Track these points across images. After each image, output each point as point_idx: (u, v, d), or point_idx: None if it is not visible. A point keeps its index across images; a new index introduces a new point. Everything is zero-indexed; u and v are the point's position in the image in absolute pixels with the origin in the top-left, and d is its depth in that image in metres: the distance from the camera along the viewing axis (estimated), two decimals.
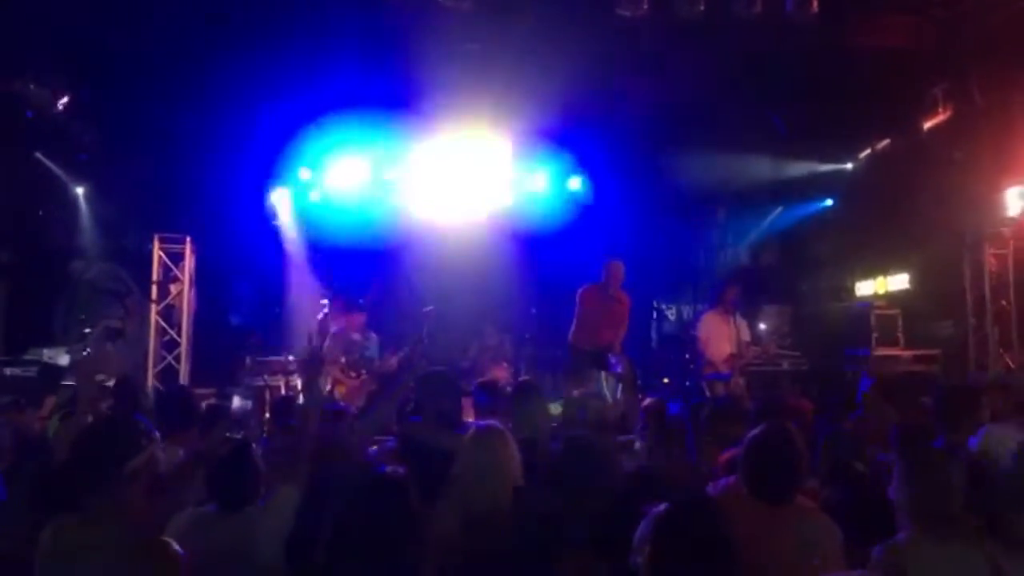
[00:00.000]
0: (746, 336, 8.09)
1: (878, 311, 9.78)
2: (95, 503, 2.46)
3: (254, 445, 3.32)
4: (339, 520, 2.40)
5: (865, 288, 11.03)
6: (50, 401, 6.73)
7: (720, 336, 7.92)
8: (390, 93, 8.77)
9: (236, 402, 8.75)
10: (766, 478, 2.90)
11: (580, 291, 7.92)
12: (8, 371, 8.77)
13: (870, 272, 10.92)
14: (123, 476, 2.44)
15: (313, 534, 2.45)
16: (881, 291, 10.64)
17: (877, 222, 10.07)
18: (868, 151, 10.36)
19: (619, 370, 6.27)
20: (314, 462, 3.10)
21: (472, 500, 3.06)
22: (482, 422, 3.50)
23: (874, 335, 9.56)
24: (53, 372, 9.34)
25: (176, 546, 2.50)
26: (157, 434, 2.59)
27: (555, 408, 4.37)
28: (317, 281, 10.42)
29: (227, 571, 2.84)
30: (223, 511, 3.02)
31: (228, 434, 4.55)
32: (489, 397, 4.65)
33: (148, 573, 2.38)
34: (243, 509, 3.01)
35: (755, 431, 3.01)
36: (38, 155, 9.35)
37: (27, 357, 8.97)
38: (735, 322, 7.97)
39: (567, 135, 9.97)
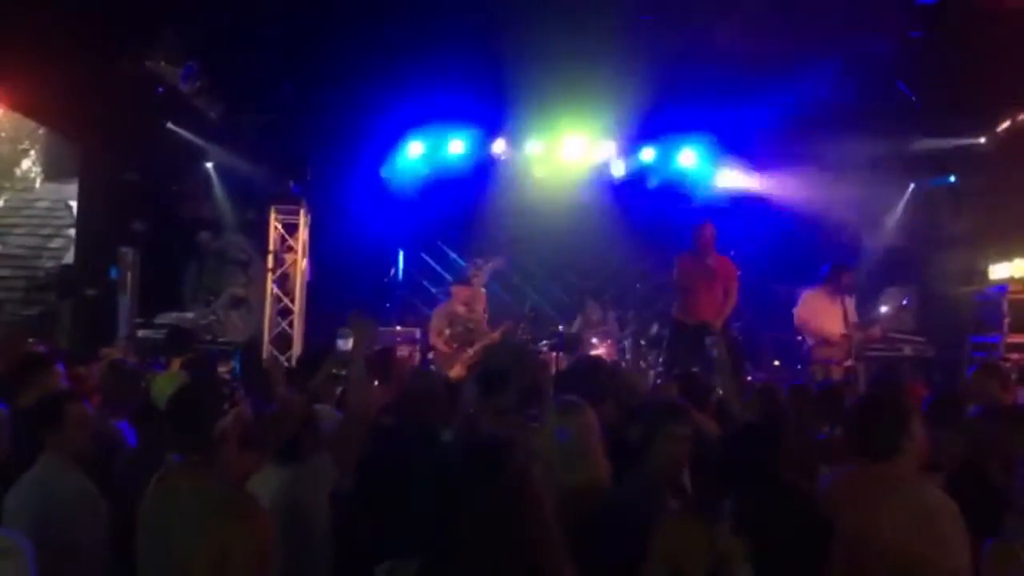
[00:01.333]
0: (854, 318, 7.67)
1: (1013, 296, 9.10)
2: (190, 459, 2.60)
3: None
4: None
5: (1000, 271, 10.27)
6: (176, 362, 7.14)
7: (827, 315, 7.53)
8: (492, 76, 8.76)
9: (341, 344, 9.12)
10: (868, 430, 2.83)
11: (676, 259, 7.70)
12: (141, 333, 9.41)
13: (1007, 254, 10.15)
14: (212, 435, 2.56)
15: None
16: (1018, 275, 9.88)
17: (1015, 199, 9.35)
18: (1007, 123, 9.60)
19: (713, 354, 5.89)
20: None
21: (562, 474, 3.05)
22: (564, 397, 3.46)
23: (1006, 321, 8.91)
24: (183, 334, 9.97)
25: (262, 502, 2.61)
26: (242, 393, 2.70)
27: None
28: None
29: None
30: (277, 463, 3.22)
31: (335, 371, 4.77)
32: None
33: (238, 529, 2.48)
34: (291, 464, 3.20)
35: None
36: (170, 126, 9.86)
37: (158, 321, 9.60)
38: (844, 302, 7.57)
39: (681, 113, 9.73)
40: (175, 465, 2.64)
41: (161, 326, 9.84)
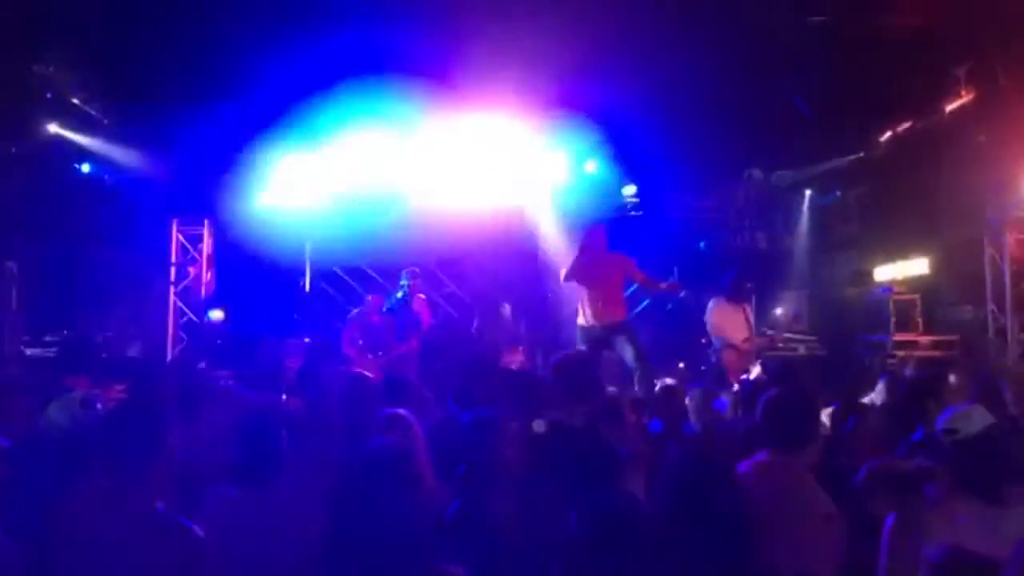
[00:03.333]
0: (752, 323, 8.05)
1: (897, 296, 9.71)
2: (123, 484, 2.49)
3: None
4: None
5: (884, 273, 10.94)
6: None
7: (731, 322, 7.87)
8: (403, 62, 8.68)
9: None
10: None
11: (569, 268, 7.75)
12: (29, 351, 8.91)
13: (890, 257, 10.82)
14: (151, 459, 2.47)
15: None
16: (900, 276, 10.55)
17: (898, 206, 9.97)
18: (889, 134, 10.23)
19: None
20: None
21: None
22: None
23: (892, 320, 9.50)
24: (79, 350, 9.46)
25: (199, 531, 2.52)
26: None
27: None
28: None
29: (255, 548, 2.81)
30: (246, 490, 3.00)
31: None
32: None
33: (174, 559, 2.39)
34: (265, 484, 2.97)
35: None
36: (58, 131, 9.38)
37: (47, 338, 9.10)
38: (745, 309, 7.95)
39: (584, 116, 9.91)
40: (98, 492, 2.52)
41: (51, 343, 9.36)
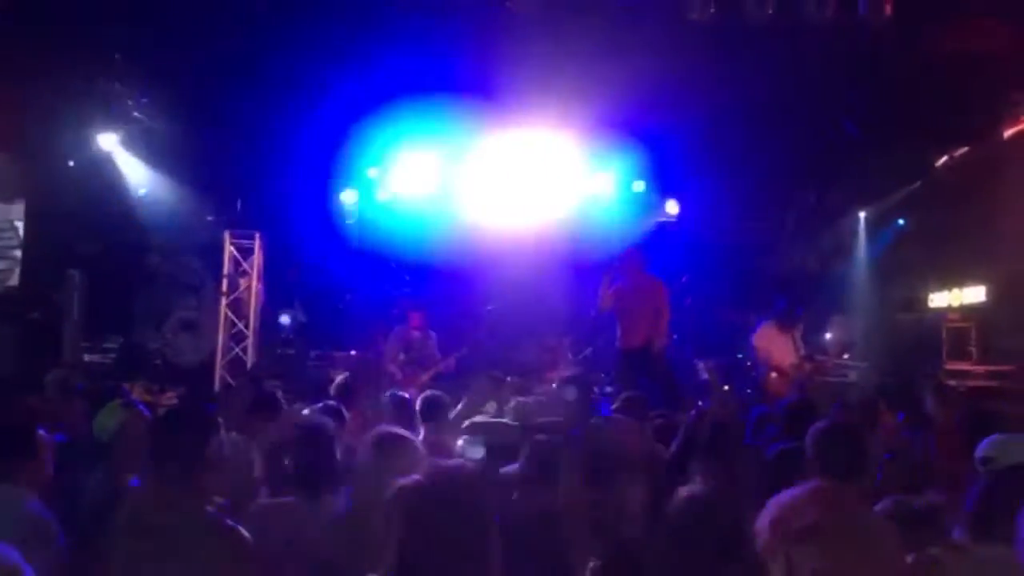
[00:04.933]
0: (801, 349, 7.94)
1: (950, 324, 9.47)
2: (174, 485, 2.57)
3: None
4: None
5: (939, 300, 10.68)
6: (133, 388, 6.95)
7: (779, 346, 7.79)
8: (454, 83, 8.82)
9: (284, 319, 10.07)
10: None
11: (601, 289, 7.75)
12: (88, 357, 9.18)
13: (945, 284, 10.57)
14: (200, 462, 2.54)
15: None
16: (956, 303, 10.29)
17: (954, 232, 9.75)
18: (946, 158, 10.04)
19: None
20: None
21: None
22: None
23: (945, 348, 9.26)
24: (135, 356, 9.74)
25: (246, 533, 2.58)
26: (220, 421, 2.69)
27: None
28: (380, 280, 10.64)
29: (302, 561, 2.81)
30: (300, 499, 2.99)
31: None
32: None
33: (221, 558, 2.45)
34: (319, 498, 2.95)
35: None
36: (121, 146, 9.70)
37: (106, 345, 9.38)
38: (794, 335, 7.85)
39: (633, 136, 9.94)
40: (150, 492, 2.61)
41: (109, 350, 9.64)
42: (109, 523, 2.61)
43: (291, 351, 10.36)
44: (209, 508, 2.53)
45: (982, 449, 2.77)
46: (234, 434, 4.31)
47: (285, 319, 10.54)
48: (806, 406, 4.29)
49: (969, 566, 2.43)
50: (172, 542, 2.41)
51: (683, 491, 2.45)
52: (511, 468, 3.69)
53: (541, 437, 3.43)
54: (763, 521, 2.93)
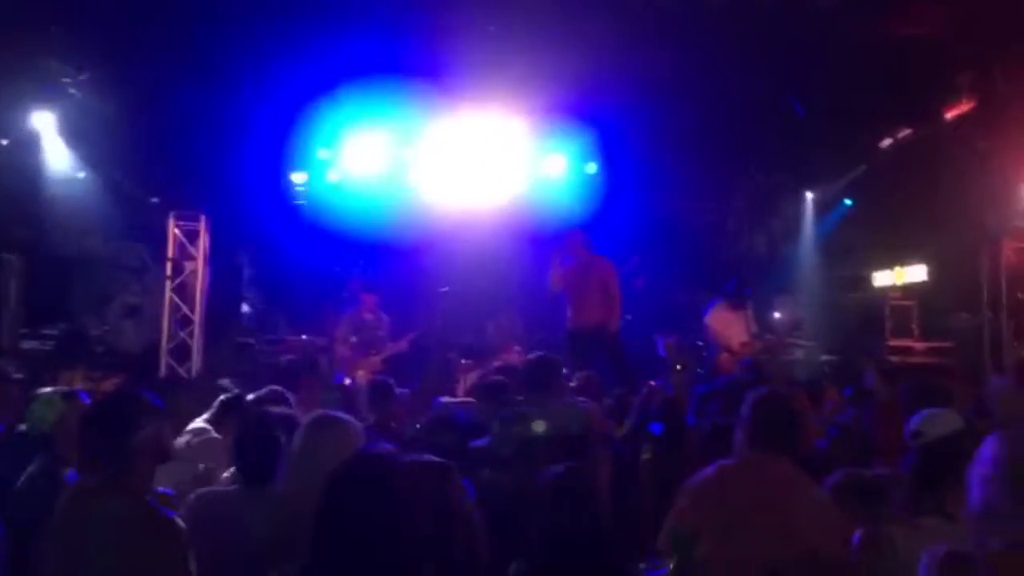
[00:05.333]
0: (753, 328, 8.09)
1: (893, 302, 9.71)
2: (104, 474, 2.50)
3: None
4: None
5: (883, 279, 10.94)
6: (68, 376, 6.78)
7: (731, 326, 7.92)
8: (405, 65, 8.70)
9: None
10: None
11: (550, 274, 7.83)
12: (26, 344, 8.90)
13: (888, 262, 10.83)
14: (129, 449, 2.47)
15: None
16: (898, 282, 10.55)
17: (897, 212, 9.98)
18: (889, 140, 10.23)
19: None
20: None
21: None
22: None
23: (888, 326, 9.50)
24: (75, 343, 9.47)
25: (180, 523, 2.53)
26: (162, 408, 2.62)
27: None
28: (332, 262, 10.50)
29: (237, 550, 2.77)
30: (242, 487, 2.95)
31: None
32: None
33: (154, 548, 2.40)
34: (264, 487, 2.90)
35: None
36: (55, 125, 9.37)
37: (46, 331, 9.10)
38: (746, 314, 7.98)
39: (584, 118, 9.93)
40: (86, 484, 2.53)
41: (49, 337, 9.36)
42: (46, 516, 2.54)
43: (251, 340, 10.14)
44: (148, 498, 2.46)
45: (912, 424, 2.85)
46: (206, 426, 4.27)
47: (246, 308, 10.39)
48: (746, 383, 4.34)
49: (916, 537, 2.47)
50: (106, 534, 2.35)
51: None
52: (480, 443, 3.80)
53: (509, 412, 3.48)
54: (688, 494, 2.98)
